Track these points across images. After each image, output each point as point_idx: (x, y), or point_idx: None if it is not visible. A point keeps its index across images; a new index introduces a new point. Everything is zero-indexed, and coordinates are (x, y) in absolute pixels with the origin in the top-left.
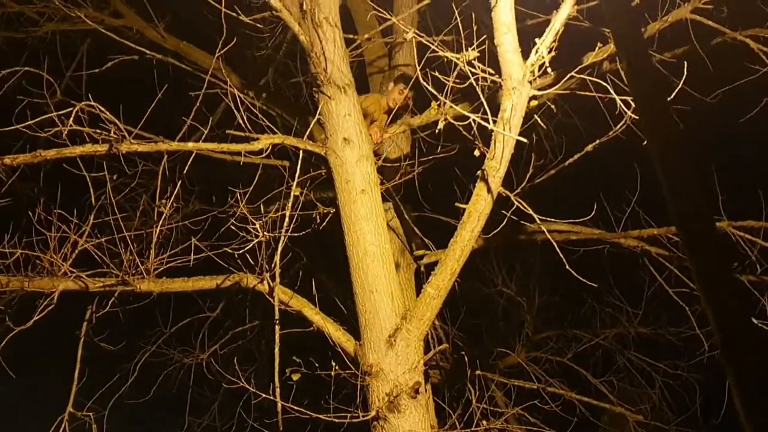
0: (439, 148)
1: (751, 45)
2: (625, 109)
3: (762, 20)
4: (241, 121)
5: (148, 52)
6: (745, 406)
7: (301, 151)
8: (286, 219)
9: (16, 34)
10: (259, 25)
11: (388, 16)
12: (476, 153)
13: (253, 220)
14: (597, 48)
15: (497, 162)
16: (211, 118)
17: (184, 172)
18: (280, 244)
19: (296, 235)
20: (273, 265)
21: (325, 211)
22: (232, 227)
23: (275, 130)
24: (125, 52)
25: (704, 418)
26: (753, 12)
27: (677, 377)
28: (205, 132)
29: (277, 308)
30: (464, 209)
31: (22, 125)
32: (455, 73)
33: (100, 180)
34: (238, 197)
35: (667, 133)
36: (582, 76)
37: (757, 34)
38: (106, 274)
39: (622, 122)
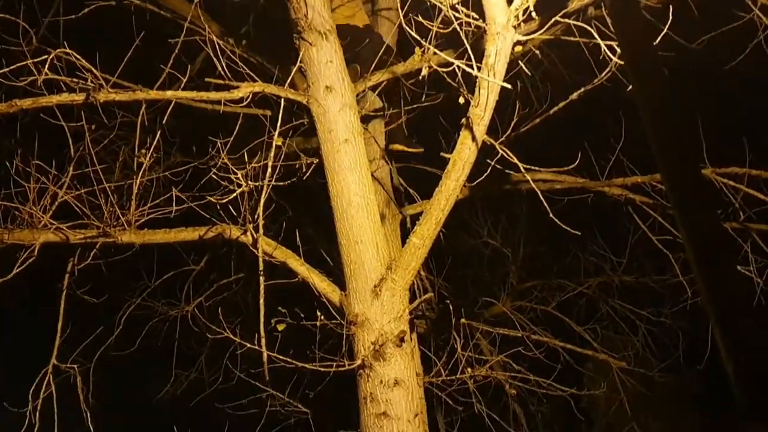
0: (424, 96)
1: None
2: (611, 56)
3: None
4: (220, 69)
5: None
6: (727, 350)
7: (282, 100)
8: (269, 169)
9: None
10: None
11: None
12: (461, 100)
13: (235, 170)
14: None
15: (482, 110)
16: (190, 67)
17: (164, 121)
18: (263, 195)
19: (280, 184)
20: (256, 216)
21: (308, 162)
22: (214, 177)
23: (256, 78)
24: None
25: (687, 364)
26: None
27: (661, 324)
28: (184, 80)
29: (261, 259)
30: (449, 159)
31: None
32: (439, 18)
33: (80, 131)
34: (219, 147)
35: (652, 79)
36: (567, 21)
37: None
38: (87, 226)
39: (608, 69)
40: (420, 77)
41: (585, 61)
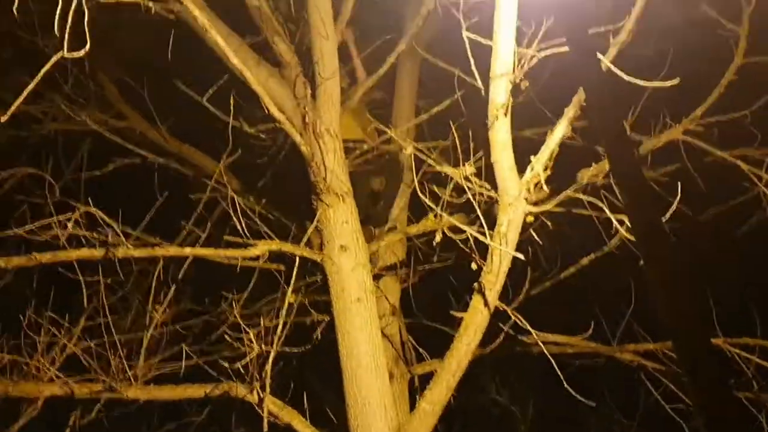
0: (435, 257)
1: (741, 165)
2: (619, 227)
3: (751, 140)
4: (239, 227)
5: (150, 155)
6: None
7: (297, 257)
8: (279, 327)
9: (20, 132)
10: (261, 135)
11: (387, 130)
12: (473, 266)
13: (247, 329)
14: (592, 166)
15: (494, 276)
16: (209, 223)
17: (180, 276)
18: (271, 354)
19: (292, 351)
20: (264, 375)
21: (319, 319)
22: (225, 336)
23: (272, 235)
24: (127, 153)
25: None
26: (743, 133)
27: None
28: (203, 236)
29: (266, 420)
30: (461, 318)
31: (21, 230)
32: (451, 186)
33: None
34: (233, 302)
35: (661, 253)
36: (577, 195)
37: (745, 154)
38: (94, 380)
39: (615, 239)
40: (434, 243)
41: (594, 222)
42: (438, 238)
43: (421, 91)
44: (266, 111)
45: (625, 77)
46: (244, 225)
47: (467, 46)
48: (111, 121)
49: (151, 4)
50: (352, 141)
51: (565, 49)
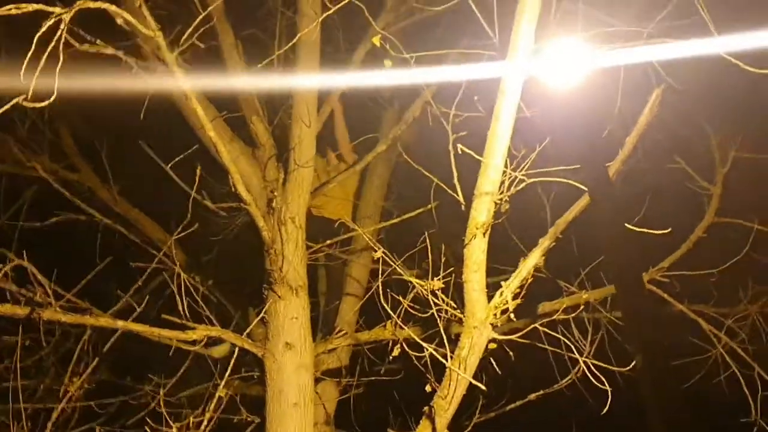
0: (383, 369)
1: (701, 323)
2: (578, 357)
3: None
4: (180, 307)
5: (96, 215)
6: None
7: (237, 348)
8: (205, 423)
9: None
10: (222, 212)
11: (355, 227)
12: (428, 388)
13: (170, 423)
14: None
15: (447, 402)
16: (147, 296)
17: (104, 350)
18: None
19: None
20: None
21: (249, 419)
22: (145, 423)
23: (213, 321)
24: (72, 208)
25: None
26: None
27: None
28: (139, 310)
29: None
30: None
31: None
32: (412, 294)
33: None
34: (158, 386)
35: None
36: (543, 328)
37: (703, 310)
38: None
39: (574, 373)
40: (389, 357)
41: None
42: (396, 352)
43: (390, 192)
44: (233, 188)
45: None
46: (185, 305)
47: (452, 158)
48: (62, 172)
49: (132, 62)
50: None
51: (558, 179)
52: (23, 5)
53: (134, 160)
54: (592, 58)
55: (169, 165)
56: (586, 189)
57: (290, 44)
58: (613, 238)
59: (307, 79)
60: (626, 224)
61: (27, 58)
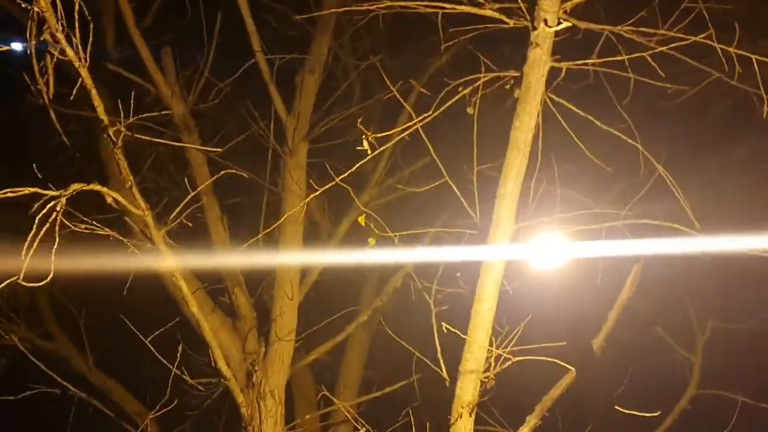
0: None
1: None
2: None
3: None
4: None
5: (70, 388)
6: None
7: None
8: None
9: None
10: (200, 387)
11: (334, 400)
12: None
13: None
14: None
15: None
16: None
17: None
18: None
19: None
20: None
21: None
22: None
23: None
24: (47, 378)
25: None
26: None
27: None
28: None
29: None
30: None
31: None
32: None
33: None
34: None
35: None
36: None
37: None
38: None
39: None
40: None
41: None
42: None
43: (370, 361)
44: (213, 363)
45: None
46: None
47: (435, 332)
48: (37, 341)
49: (125, 241)
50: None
51: (544, 358)
52: (19, 189)
53: (108, 330)
54: (572, 248)
55: (149, 339)
56: (571, 368)
57: (276, 224)
58: (602, 413)
59: (290, 257)
60: (616, 406)
61: (28, 241)
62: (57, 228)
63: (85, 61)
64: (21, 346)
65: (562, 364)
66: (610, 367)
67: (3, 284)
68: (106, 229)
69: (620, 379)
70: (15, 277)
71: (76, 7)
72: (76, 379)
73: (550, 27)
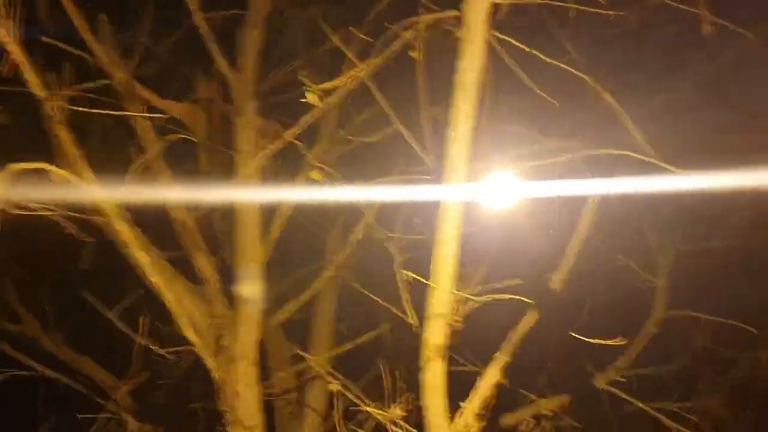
0: None
1: (664, 420)
2: None
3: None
4: None
5: (41, 368)
6: None
7: None
8: None
9: None
10: (169, 356)
11: (309, 357)
12: None
13: None
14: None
15: None
16: None
17: None
18: None
19: None
20: None
21: None
22: None
23: None
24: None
25: None
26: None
27: None
28: None
29: None
30: None
31: None
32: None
33: None
34: None
35: None
36: None
37: (665, 407)
38: None
39: None
40: None
41: None
42: None
43: (340, 314)
44: (180, 332)
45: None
46: None
47: (400, 282)
48: (4, 324)
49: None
50: None
51: (506, 296)
52: None
53: (73, 306)
54: (527, 186)
55: (113, 312)
56: (532, 302)
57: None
58: (560, 347)
59: (252, 194)
60: (571, 333)
61: None
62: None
63: (15, 35)
64: None
65: (526, 300)
66: (575, 300)
67: None
68: (54, 208)
69: (585, 312)
70: None
71: None
72: (47, 358)
73: None
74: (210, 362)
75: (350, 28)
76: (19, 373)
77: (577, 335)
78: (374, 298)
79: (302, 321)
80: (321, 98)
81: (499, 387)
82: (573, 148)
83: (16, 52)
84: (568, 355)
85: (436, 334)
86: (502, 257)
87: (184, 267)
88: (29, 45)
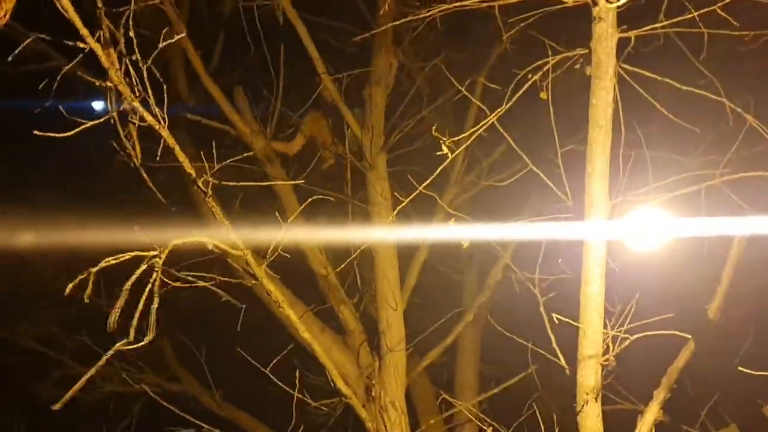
0: None
1: None
2: None
3: None
4: None
5: (203, 426)
6: None
7: None
8: None
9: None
10: (323, 408)
11: (455, 403)
12: None
13: None
14: None
15: None
16: None
17: None
18: None
19: None
20: None
21: None
22: None
23: None
24: (179, 419)
25: None
26: None
27: None
28: None
29: None
30: None
31: None
32: None
33: None
34: None
35: None
36: None
37: None
38: None
39: None
40: None
41: None
42: None
43: (484, 356)
44: (332, 384)
45: None
46: None
47: (546, 323)
48: (165, 385)
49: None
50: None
51: (662, 332)
52: (121, 255)
53: (229, 363)
54: (672, 226)
55: (269, 368)
56: (689, 336)
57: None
58: (723, 377)
59: (387, 233)
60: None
61: (138, 313)
62: (156, 288)
63: (164, 121)
64: (151, 393)
65: (680, 334)
66: (735, 329)
67: (110, 352)
68: (206, 275)
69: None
70: (121, 342)
71: (145, 73)
72: (207, 414)
73: (611, 2)
74: (362, 412)
75: (473, 77)
76: (184, 430)
77: (743, 369)
78: (518, 339)
79: (447, 365)
80: (452, 149)
81: (659, 424)
82: (717, 173)
83: (168, 137)
84: (732, 386)
85: (589, 376)
86: (650, 294)
87: (324, 316)
88: (174, 124)
